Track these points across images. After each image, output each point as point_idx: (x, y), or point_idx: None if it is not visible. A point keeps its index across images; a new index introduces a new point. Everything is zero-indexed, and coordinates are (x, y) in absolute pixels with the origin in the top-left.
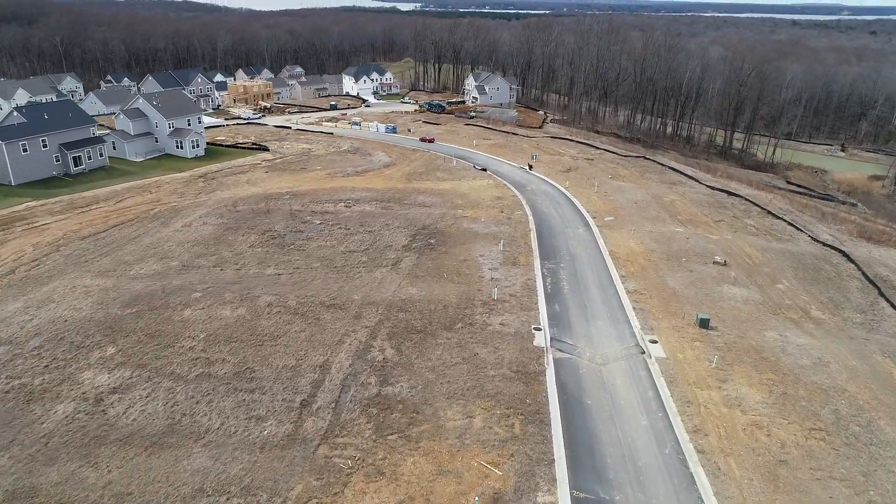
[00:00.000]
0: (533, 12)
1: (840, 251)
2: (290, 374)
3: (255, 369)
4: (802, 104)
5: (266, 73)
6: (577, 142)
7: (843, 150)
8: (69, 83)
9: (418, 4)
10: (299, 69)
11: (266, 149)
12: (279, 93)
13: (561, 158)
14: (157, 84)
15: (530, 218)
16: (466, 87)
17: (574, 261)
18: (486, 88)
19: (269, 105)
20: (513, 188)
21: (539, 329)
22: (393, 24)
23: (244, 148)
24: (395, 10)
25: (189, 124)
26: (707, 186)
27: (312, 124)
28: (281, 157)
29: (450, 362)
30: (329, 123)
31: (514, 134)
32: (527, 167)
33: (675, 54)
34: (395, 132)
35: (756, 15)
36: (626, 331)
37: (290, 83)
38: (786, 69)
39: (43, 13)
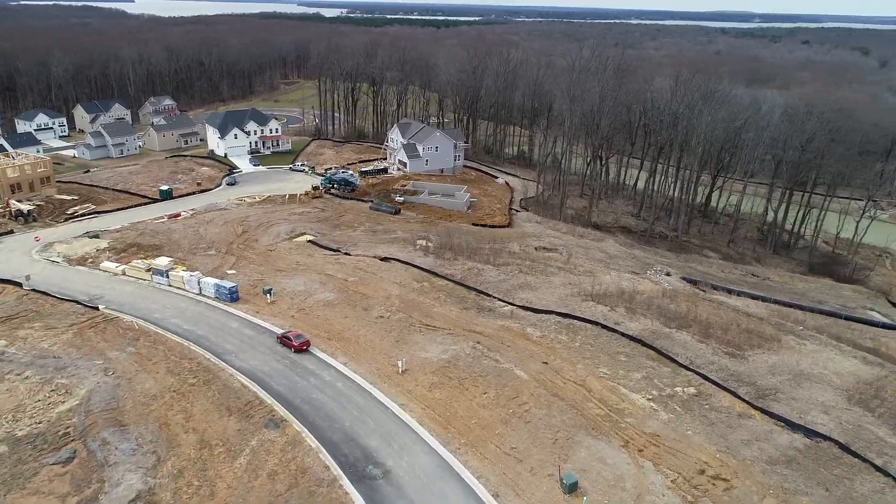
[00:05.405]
0: (463, 19)
1: None
2: None
3: None
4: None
5: (118, 110)
6: (625, 336)
7: (871, 204)
8: None
9: (344, 10)
10: (169, 101)
11: None
12: (122, 143)
13: (626, 483)
14: None
15: None
16: (390, 144)
17: None
18: (420, 149)
19: (27, 209)
20: None
21: None
22: (308, 35)
23: None
24: (318, 17)
25: None
26: None
27: (87, 261)
28: None
29: None
30: (112, 264)
31: (486, 297)
32: None
33: (718, 105)
34: (236, 300)
35: (681, 22)
36: None
37: (153, 121)
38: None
39: None
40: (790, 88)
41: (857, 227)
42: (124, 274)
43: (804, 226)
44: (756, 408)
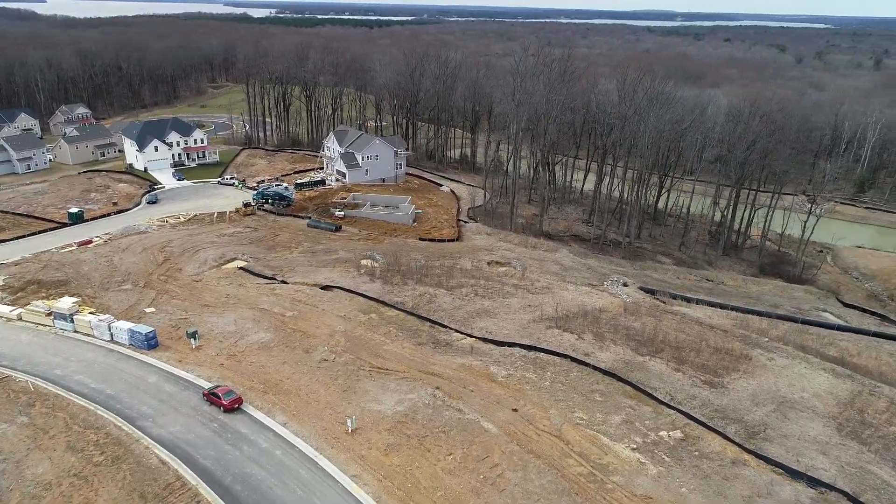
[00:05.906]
0: (396, 19)
1: None
2: None
3: None
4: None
5: (24, 119)
6: (597, 370)
7: (815, 203)
8: None
9: (272, 10)
10: (83, 110)
11: None
12: (30, 157)
13: None
14: None
15: None
16: (327, 154)
17: None
18: (359, 158)
19: None
20: None
21: None
22: (236, 37)
23: None
24: (246, 18)
25: None
26: None
27: None
28: None
29: None
30: (6, 308)
31: (442, 329)
32: None
33: (665, 106)
34: (154, 347)
35: (608, 21)
36: None
37: (65, 132)
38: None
39: None
40: (721, 85)
41: (804, 226)
42: (20, 319)
43: (751, 226)
44: (749, 451)
